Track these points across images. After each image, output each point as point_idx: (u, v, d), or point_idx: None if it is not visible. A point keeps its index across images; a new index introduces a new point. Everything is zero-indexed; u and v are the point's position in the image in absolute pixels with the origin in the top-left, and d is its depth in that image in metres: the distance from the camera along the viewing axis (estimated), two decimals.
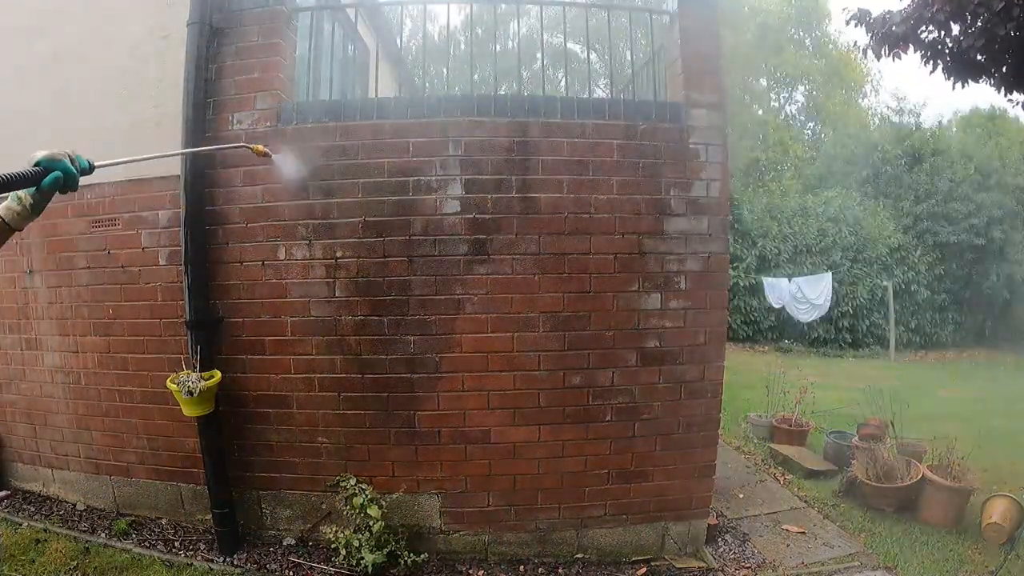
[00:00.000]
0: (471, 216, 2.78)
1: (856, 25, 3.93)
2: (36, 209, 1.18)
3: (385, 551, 2.71)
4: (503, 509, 2.94)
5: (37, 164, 1.10)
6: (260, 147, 2.34)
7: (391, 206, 2.78)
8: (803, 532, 3.37)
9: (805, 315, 11.07)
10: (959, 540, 3.26)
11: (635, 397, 2.89)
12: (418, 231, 2.78)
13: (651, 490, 2.97)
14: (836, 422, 5.24)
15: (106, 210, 3.02)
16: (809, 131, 23.21)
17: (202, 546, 2.96)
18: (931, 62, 3.76)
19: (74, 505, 3.31)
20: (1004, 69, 3.66)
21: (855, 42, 4.19)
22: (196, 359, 2.72)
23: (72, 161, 1.15)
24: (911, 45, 3.73)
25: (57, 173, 1.11)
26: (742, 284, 11.70)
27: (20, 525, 3.07)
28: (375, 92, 3.36)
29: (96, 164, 1.22)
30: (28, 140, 3.18)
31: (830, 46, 22.22)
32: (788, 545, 3.19)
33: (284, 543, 2.99)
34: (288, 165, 2.63)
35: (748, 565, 2.99)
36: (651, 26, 3.40)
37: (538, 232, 2.80)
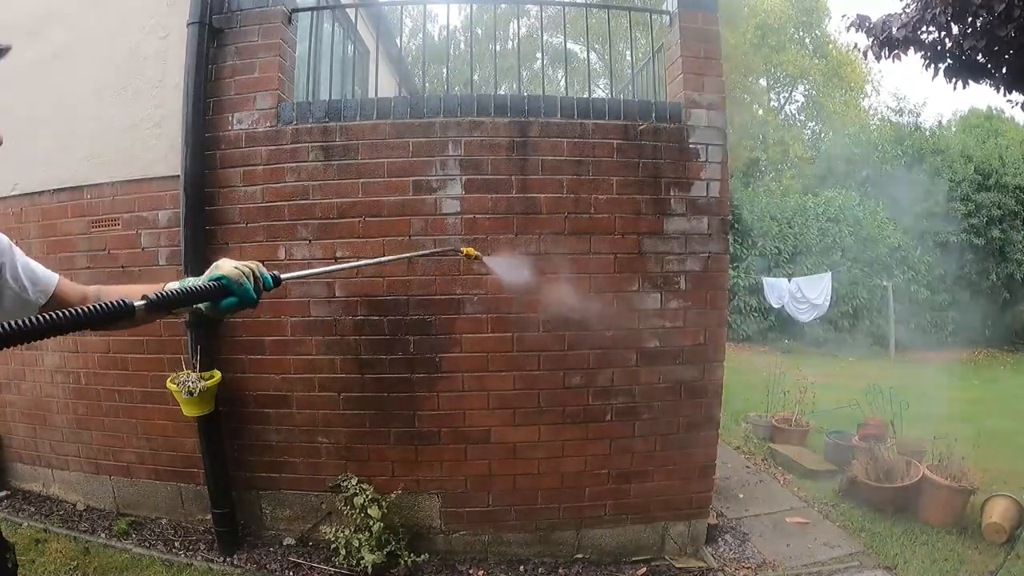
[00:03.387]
0: (471, 216, 2.78)
1: (857, 31, 3.95)
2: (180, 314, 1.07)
3: (385, 551, 2.71)
4: (503, 509, 2.94)
5: (220, 280, 1.00)
6: (470, 250, 2.22)
7: (391, 206, 2.78)
8: (806, 523, 3.39)
9: (805, 315, 11.06)
10: (959, 540, 3.26)
11: (635, 397, 2.89)
12: (418, 231, 2.78)
13: (651, 490, 2.97)
14: (836, 422, 5.23)
15: (106, 210, 3.02)
16: (809, 131, 23.23)
17: (202, 546, 2.96)
18: (932, 64, 3.77)
19: (74, 505, 3.31)
20: (1004, 70, 3.67)
21: (855, 44, 4.19)
22: (196, 359, 2.72)
23: (256, 280, 1.07)
24: (911, 47, 3.74)
25: (233, 300, 1.02)
26: (742, 284, 11.70)
27: (20, 525, 3.07)
28: (375, 92, 3.36)
29: (283, 277, 1.16)
30: (28, 140, 3.20)
31: (830, 46, 22.24)
32: (788, 545, 3.19)
33: (284, 543, 2.99)
34: (501, 268, 2.57)
35: (748, 565, 2.99)
36: (651, 26, 3.40)
37: (538, 232, 2.80)
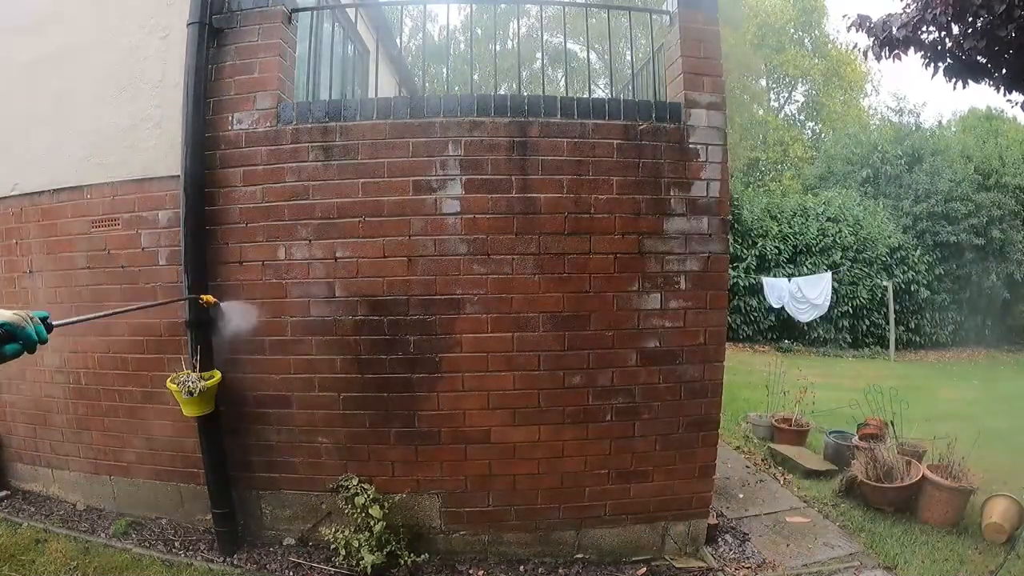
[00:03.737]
0: (471, 216, 2.78)
1: (857, 31, 3.95)
2: None
3: (385, 551, 2.71)
4: (503, 509, 2.94)
5: (3, 325, 1.02)
6: (209, 297, 2.33)
7: (391, 206, 2.78)
8: (806, 523, 3.39)
9: (805, 315, 11.07)
10: (959, 540, 3.26)
11: (635, 397, 2.89)
12: (418, 231, 2.78)
13: (651, 490, 2.97)
14: (836, 422, 5.24)
15: (106, 210, 3.02)
16: (809, 131, 23.24)
17: (202, 546, 2.96)
18: (932, 64, 3.77)
19: (74, 505, 3.31)
20: (1004, 70, 3.67)
21: (855, 44, 4.19)
22: (196, 359, 2.72)
23: (35, 323, 1.09)
24: (912, 47, 3.74)
25: (17, 346, 1.05)
26: (742, 284, 11.71)
27: (20, 525, 3.07)
28: (375, 92, 3.36)
29: (55, 323, 1.18)
30: (28, 140, 3.20)
31: (829, 46, 22.26)
32: (788, 545, 3.20)
33: (284, 543, 2.99)
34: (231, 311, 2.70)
35: (748, 565, 2.99)
36: (651, 26, 3.39)
37: (538, 232, 2.80)
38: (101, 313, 1.80)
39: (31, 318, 1.08)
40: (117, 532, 3.02)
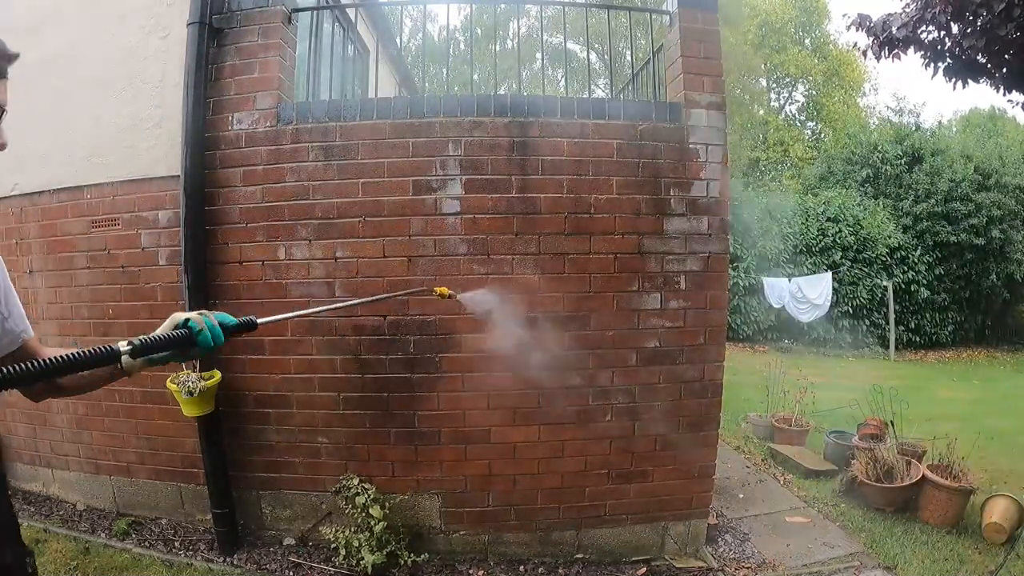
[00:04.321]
0: (471, 216, 2.78)
1: (857, 30, 3.95)
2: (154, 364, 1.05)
3: (385, 551, 2.71)
4: (503, 509, 2.94)
5: (187, 323, 1.02)
6: (443, 289, 2.15)
7: (391, 206, 2.78)
8: (806, 523, 3.40)
9: (805, 315, 11.07)
10: (959, 540, 3.26)
11: (635, 397, 2.89)
12: (418, 231, 2.78)
13: (651, 490, 2.97)
14: (836, 422, 5.24)
15: (106, 210, 3.02)
16: (809, 131, 23.25)
17: (202, 546, 2.96)
18: (931, 64, 3.77)
19: (74, 505, 3.31)
20: (1004, 69, 3.67)
21: (855, 44, 4.19)
22: (196, 359, 2.72)
23: (215, 328, 1.05)
24: (911, 46, 3.74)
25: (197, 350, 1.03)
26: (742, 284, 11.70)
27: (20, 525, 3.07)
28: (375, 92, 3.36)
29: (259, 321, 1.15)
30: (28, 140, 3.20)
31: (830, 46, 22.26)
32: (788, 545, 3.19)
33: (284, 543, 2.99)
34: (474, 303, 2.49)
35: (748, 565, 2.99)
36: (651, 26, 3.40)
37: (538, 232, 2.80)
38: (316, 310, 1.77)
39: (211, 320, 1.05)
40: (117, 532, 3.02)
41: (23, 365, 0.74)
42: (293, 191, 2.80)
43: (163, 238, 2.93)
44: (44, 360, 0.77)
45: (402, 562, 2.74)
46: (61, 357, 0.78)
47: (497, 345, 2.67)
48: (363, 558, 2.66)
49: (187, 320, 1.02)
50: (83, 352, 0.80)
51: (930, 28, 3.63)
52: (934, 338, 12.50)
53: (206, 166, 2.79)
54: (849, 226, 12.26)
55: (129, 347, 0.88)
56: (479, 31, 17.67)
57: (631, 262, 2.84)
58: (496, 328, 2.65)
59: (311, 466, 2.93)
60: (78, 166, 3.07)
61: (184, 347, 1.01)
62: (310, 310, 1.59)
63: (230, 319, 1.10)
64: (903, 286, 12.10)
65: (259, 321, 1.16)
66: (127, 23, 3.01)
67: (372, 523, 2.71)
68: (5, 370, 0.72)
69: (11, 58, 0.96)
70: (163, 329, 1.03)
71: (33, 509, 3.28)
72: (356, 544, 2.70)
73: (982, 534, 3.26)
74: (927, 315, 12.42)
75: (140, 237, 2.97)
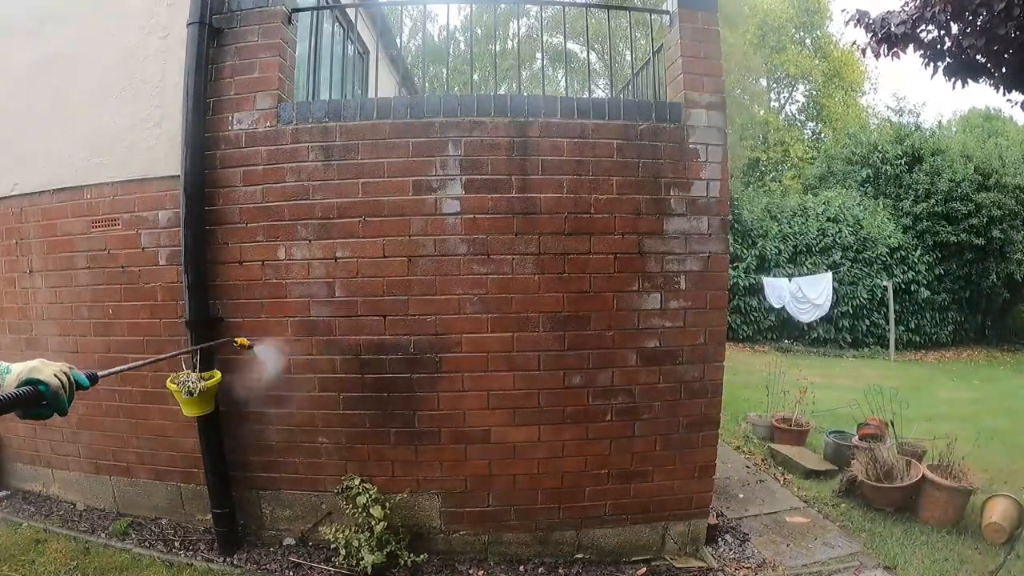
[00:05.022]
0: (471, 216, 2.78)
1: (855, 26, 3.95)
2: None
3: (385, 551, 2.71)
4: (503, 509, 2.94)
5: (37, 385, 1.00)
6: (243, 340, 2.23)
7: (391, 205, 2.78)
8: (806, 522, 3.39)
9: (806, 315, 11.07)
10: (959, 540, 3.26)
11: (635, 397, 2.89)
12: (418, 231, 2.78)
13: (651, 490, 2.97)
14: (836, 422, 5.24)
15: (106, 210, 3.02)
16: (809, 131, 23.25)
17: (202, 546, 2.96)
18: (931, 63, 3.77)
19: (74, 505, 3.31)
20: (1004, 69, 3.67)
21: (854, 41, 4.19)
22: (196, 359, 2.71)
23: (71, 388, 1.05)
24: (911, 44, 3.74)
25: (44, 412, 1.03)
26: (742, 284, 11.70)
27: (20, 525, 3.08)
28: (375, 92, 3.37)
29: (99, 374, 1.15)
30: (28, 140, 3.20)
31: (831, 46, 22.26)
32: (788, 545, 3.19)
33: (284, 543, 2.99)
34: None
35: (748, 565, 2.99)
36: (651, 26, 3.40)
37: (538, 232, 2.80)
38: (141, 362, 1.78)
39: (68, 383, 1.05)
40: (117, 532, 3.02)
41: None
42: (293, 191, 2.80)
43: (163, 238, 2.93)
44: None
45: (402, 562, 2.74)
46: None
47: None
48: (363, 558, 2.66)
49: (38, 380, 1.00)
50: None
51: (930, 27, 3.63)
52: (934, 338, 12.50)
53: (206, 166, 2.79)
54: (849, 226, 12.27)
55: None
56: (479, 31, 17.66)
57: (631, 262, 2.84)
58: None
59: (311, 466, 2.93)
60: (78, 166, 3.07)
61: (32, 406, 1.00)
62: (148, 360, 1.59)
63: (81, 377, 1.12)
64: (903, 286, 12.10)
65: (100, 374, 1.19)
66: (127, 23, 3.01)
67: (372, 523, 2.71)
68: None
69: None
70: (11, 385, 1.00)
71: (33, 509, 3.28)
72: (356, 544, 2.70)
73: (982, 534, 3.26)
74: (927, 315, 12.42)
75: (140, 237, 2.97)
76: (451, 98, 2.84)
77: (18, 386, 1.00)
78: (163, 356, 2.17)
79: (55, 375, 1.03)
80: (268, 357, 2.76)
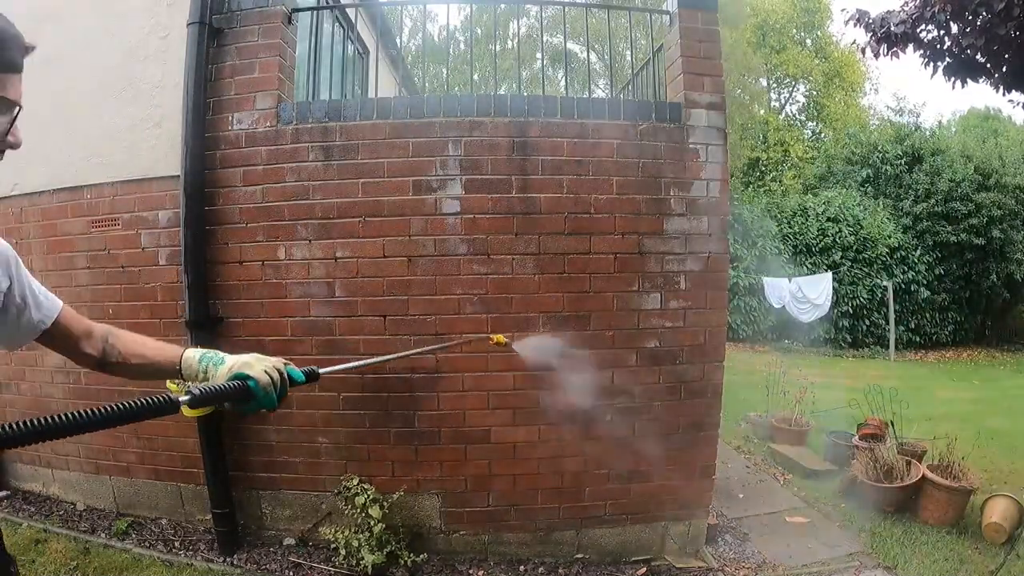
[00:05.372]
0: (471, 216, 2.78)
1: (855, 26, 3.95)
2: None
3: (385, 551, 2.71)
4: (503, 509, 2.94)
5: (246, 380, 1.00)
6: (500, 337, 2.15)
7: (391, 205, 2.78)
8: (806, 523, 3.40)
9: (806, 315, 11.07)
10: (959, 540, 3.26)
11: (635, 397, 2.89)
12: (418, 231, 2.78)
13: (651, 490, 2.97)
14: (836, 422, 5.24)
15: (106, 210, 3.02)
16: (809, 131, 23.25)
17: (202, 546, 2.96)
18: (931, 63, 3.77)
19: (74, 505, 3.31)
20: (1004, 69, 3.67)
21: (854, 41, 4.20)
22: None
23: (283, 383, 1.03)
24: (911, 44, 3.74)
25: (255, 406, 1.02)
26: (742, 284, 11.70)
27: (20, 525, 3.07)
28: (375, 92, 3.37)
29: (320, 372, 1.13)
30: (28, 140, 3.18)
31: (831, 46, 22.26)
32: (788, 544, 3.19)
33: (284, 543, 2.99)
34: (529, 352, 2.55)
35: (748, 565, 2.99)
36: (651, 26, 3.40)
37: (538, 232, 2.80)
38: (373, 360, 1.72)
39: (279, 378, 1.03)
40: (117, 532, 3.02)
41: (72, 415, 0.72)
42: (293, 191, 2.80)
43: (163, 238, 2.93)
44: (100, 409, 0.75)
45: (402, 562, 2.74)
46: (118, 406, 0.76)
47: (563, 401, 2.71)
48: (363, 558, 2.66)
49: (247, 375, 1.01)
50: (140, 401, 0.78)
51: (929, 27, 3.63)
52: (934, 338, 12.51)
53: (206, 166, 2.79)
54: (849, 226, 12.27)
55: (188, 397, 0.88)
56: (479, 31, 17.67)
57: (631, 262, 2.84)
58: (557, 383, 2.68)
59: (311, 466, 2.93)
60: (78, 166, 3.07)
61: (241, 401, 1.01)
62: (372, 360, 1.56)
63: (296, 373, 1.08)
64: (903, 286, 12.11)
65: (321, 372, 1.14)
66: (127, 23, 3.01)
67: (372, 523, 2.71)
68: (51, 419, 0.70)
69: (28, 50, 0.94)
70: (222, 378, 1.02)
71: (33, 509, 3.28)
72: (356, 544, 2.70)
73: (982, 534, 3.26)
74: (927, 315, 12.42)
75: (140, 237, 2.97)
76: (451, 98, 2.84)
77: (229, 379, 1.01)
78: (391, 356, 2.19)
79: (265, 371, 1.03)
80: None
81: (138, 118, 2.98)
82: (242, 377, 1.01)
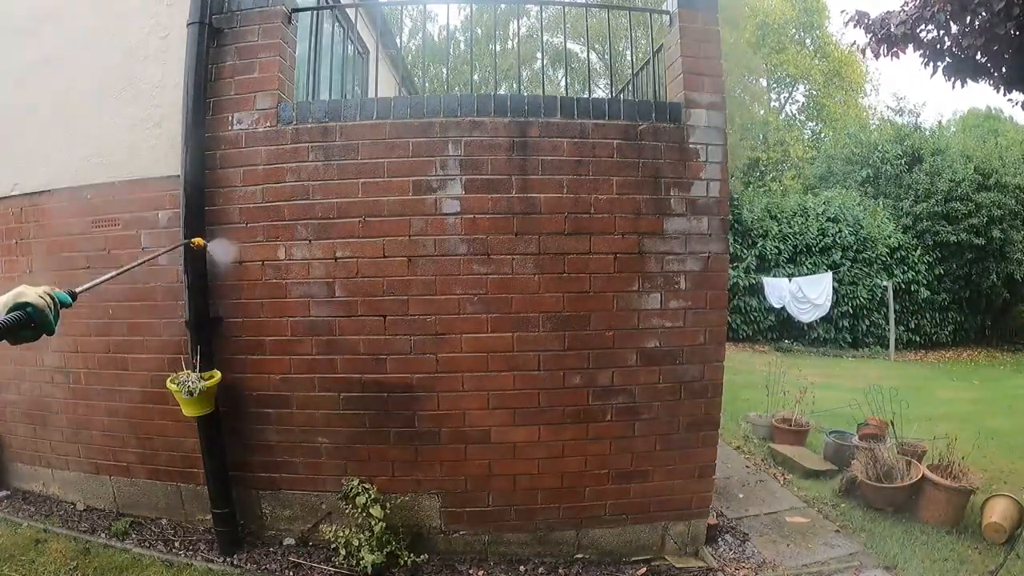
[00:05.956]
0: (471, 216, 2.78)
1: (855, 27, 3.95)
2: None
3: (385, 551, 2.71)
4: (503, 509, 2.94)
5: (26, 309, 1.02)
6: (199, 240, 2.22)
7: (391, 205, 2.78)
8: (806, 522, 3.39)
9: (806, 315, 11.08)
10: (959, 540, 3.26)
11: (635, 397, 2.89)
12: (418, 231, 2.78)
13: (651, 490, 2.97)
14: (836, 422, 5.24)
15: (106, 210, 3.02)
16: (809, 131, 23.26)
17: (202, 546, 2.96)
18: (931, 63, 3.78)
19: (74, 505, 3.31)
20: (1003, 69, 3.67)
21: (854, 41, 4.20)
22: (196, 359, 2.72)
23: (56, 307, 1.09)
24: (911, 44, 3.74)
25: (32, 332, 1.05)
26: (742, 284, 11.70)
27: (20, 525, 3.07)
28: (375, 92, 3.37)
29: (77, 290, 1.22)
30: (28, 140, 3.20)
31: (831, 46, 22.27)
32: (788, 545, 3.19)
33: (284, 543, 2.99)
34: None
35: (748, 565, 2.99)
36: (651, 26, 3.40)
37: (538, 232, 2.80)
38: (118, 270, 1.79)
39: (52, 303, 1.08)
40: (117, 532, 3.02)
41: None
42: (293, 191, 2.80)
43: (163, 238, 2.93)
44: None
45: (402, 562, 2.74)
46: None
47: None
48: (363, 558, 2.66)
49: (25, 303, 1.03)
50: None
51: (929, 27, 3.64)
52: (934, 338, 12.50)
53: (206, 166, 2.79)
54: (849, 226, 12.27)
55: None
56: (479, 31, 17.68)
57: (631, 262, 2.85)
58: None
59: (311, 466, 2.93)
60: (78, 166, 3.07)
61: (24, 329, 1.02)
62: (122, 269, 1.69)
63: (63, 295, 1.14)
64: (903, 286, 12.10)
65: (77, 290, 1.24)
66: (127, 23, 3.01)
67: (372, 523, 2.71)
68: None
69: None
70: (1, 312, 1.03)
71: (33, 509, 3.28)
72: (356, 544, 2.70)
73: (982, 534, 3.26)
74: (927, 315, 12.42)
75: (140, 237, 2.97)
76: (451, 98, 2.84)
77: (8, 312, 1.02)
78: (134, 264, 2.18)
79: (40, 296, 1.06)
80: (221, 250, 2.74)
81: (138, 118, 2.98)
82: (20, 306, 1.02)
